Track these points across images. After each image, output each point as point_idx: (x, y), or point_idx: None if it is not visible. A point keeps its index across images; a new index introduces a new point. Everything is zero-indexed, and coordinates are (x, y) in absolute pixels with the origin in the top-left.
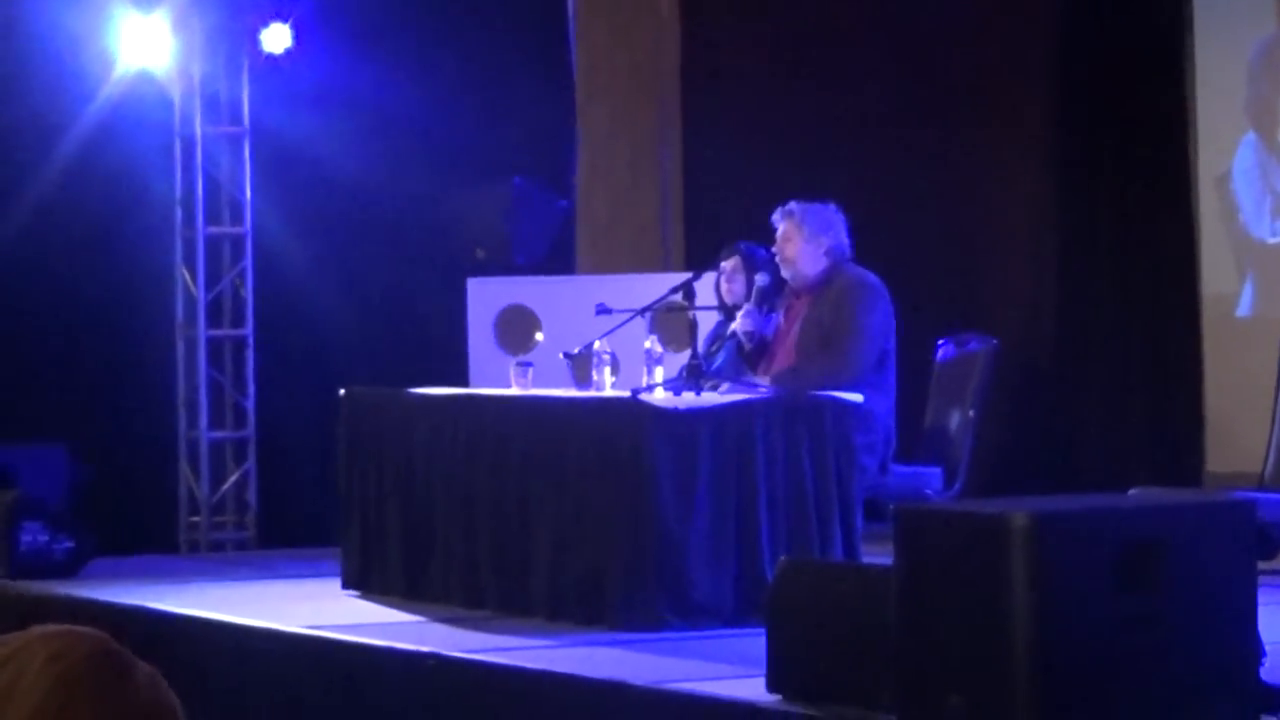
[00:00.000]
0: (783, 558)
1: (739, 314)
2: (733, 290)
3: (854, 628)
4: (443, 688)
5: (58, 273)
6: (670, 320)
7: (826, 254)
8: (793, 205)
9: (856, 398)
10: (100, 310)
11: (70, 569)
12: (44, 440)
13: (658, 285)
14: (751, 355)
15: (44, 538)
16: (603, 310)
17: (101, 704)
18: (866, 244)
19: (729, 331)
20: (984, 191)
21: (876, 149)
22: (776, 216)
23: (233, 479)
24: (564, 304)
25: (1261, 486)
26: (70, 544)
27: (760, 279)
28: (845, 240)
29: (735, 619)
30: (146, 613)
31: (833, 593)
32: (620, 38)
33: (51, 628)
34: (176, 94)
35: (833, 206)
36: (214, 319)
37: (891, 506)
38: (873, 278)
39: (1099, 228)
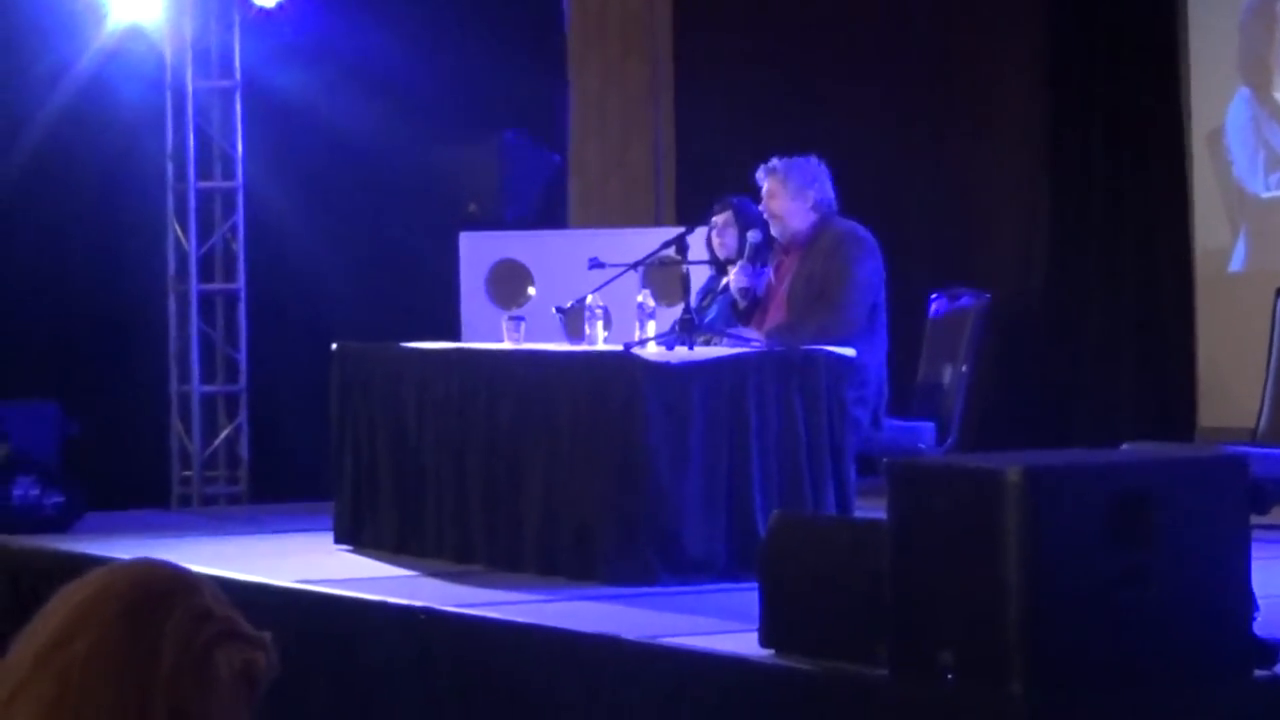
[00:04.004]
0: (775, 511)
1: (732, 270)
2: (725, 244)
3: (847, 582)
4: (434, 642)
5: (49, 228)
6: (663, 274)
7: (814, 208)
8: (775, 162)
9: (849, 351)
10: (92, 265)
11: (61, 523)
12: (36, 395)
13: (650, 239)
14: (745, 312)
15: (35, 492)
16: (595, 264)
17: (122, 618)
18: (859, 198)
19: (721, 286)
20: (976, 146)
21: (868, 102)
22: (760, 174)
23: (224, 434)
24: (556, 258)
25: (1254, 441)
26: (61, 498)
27: (753, 235)
28: (830, 192)
29: (728, 573)
30: None
31: (825, 547)
32: None
33: (142, 559)
34: (168, 48)
35: (815, 159)
36: (205, 274)
37: (884, 460)
38: (862, 230)
39: (1092, 183)
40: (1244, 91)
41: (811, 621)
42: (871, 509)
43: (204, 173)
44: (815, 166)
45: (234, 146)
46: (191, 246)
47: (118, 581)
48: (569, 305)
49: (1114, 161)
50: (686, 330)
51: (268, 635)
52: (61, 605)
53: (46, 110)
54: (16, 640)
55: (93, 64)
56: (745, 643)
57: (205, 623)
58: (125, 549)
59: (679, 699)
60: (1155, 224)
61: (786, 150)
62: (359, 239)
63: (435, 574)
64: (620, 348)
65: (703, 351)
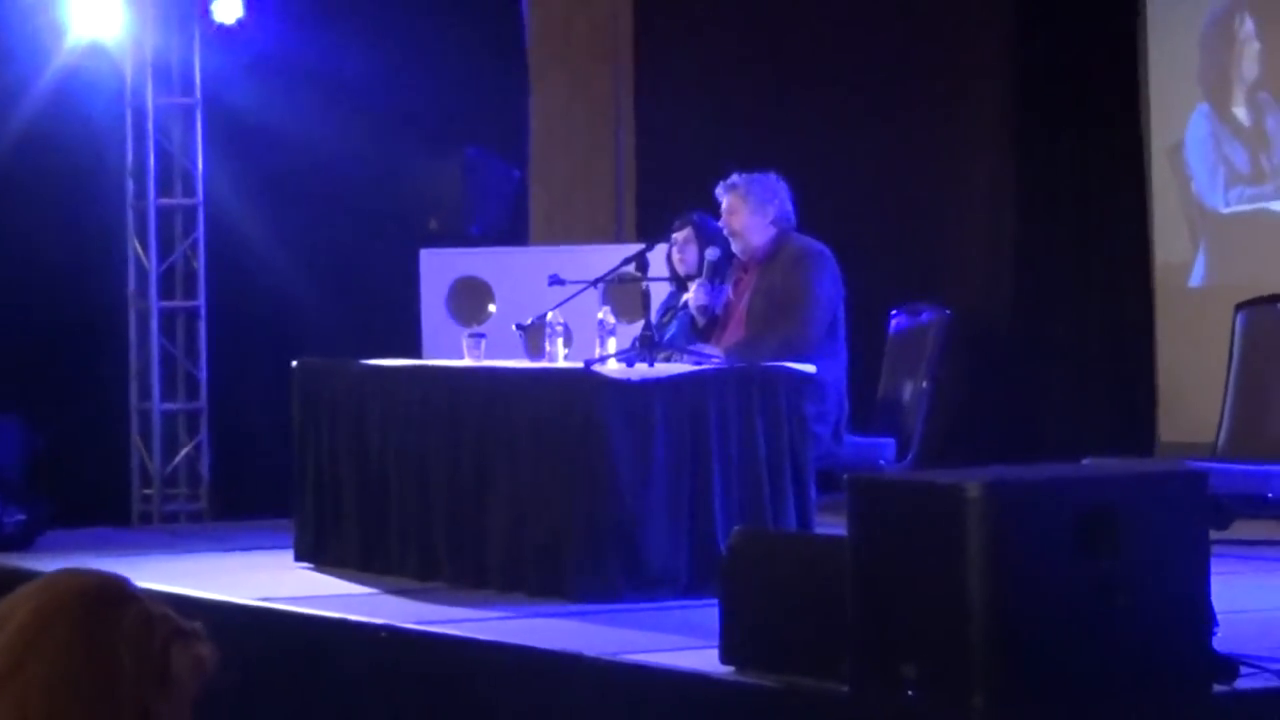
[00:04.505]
0: (736, 527)
1: (691, 287)
2: (685, 261)
3: (808, 597)
4: (397, 660)
5: (10, 245)
6: (623, 291)
7: (773, 223)
8: (735, 178)
9: (809, 368)
10: (52, 282)
11: (22, 541)
12: None
13: (611, 256)
14: (704, 329)
15: None
16: (555, 281)
17: (76, 635)
18: (820, 214)
19: (681, 302)
20: (937, 161)
21: (830, 118)
22: (720, 190)
23: (185, 451)
24: (516, 275)
25: (1214, 456)
26: (22, 516)
27: (711, 252)
28: (790, 208)
29: (690, 589)
30: None
31: (786, 562)
32: (574, 6)
33: (67, 568)
34: (128, 65)
35: (774, 175)
36: (166, 290)
37: (845, 476)
38: (820, 246)
39: (1053, 198)
40: (1204, 107)
41: (772, 637)
42: (832, 525)
43: (164, 189)
44: (775, 183)
45: (195, 163)
46: (152, 263)
47: (56, 598)
48: (529, 322)
49: (1075, 176)
50: (647, 347)
51: (200, 625)
52: (9, 619)
53: (7, 127)
54: None
55: (53, 81)
56: (706, 659)
57: (154, 624)
58: (85, 566)
59: (640, 715)
60: (1116, 239)
61: (747, 166)
62: (320, 255)
63: (397, 591)
64: (581, 365)
65: (663, 368)
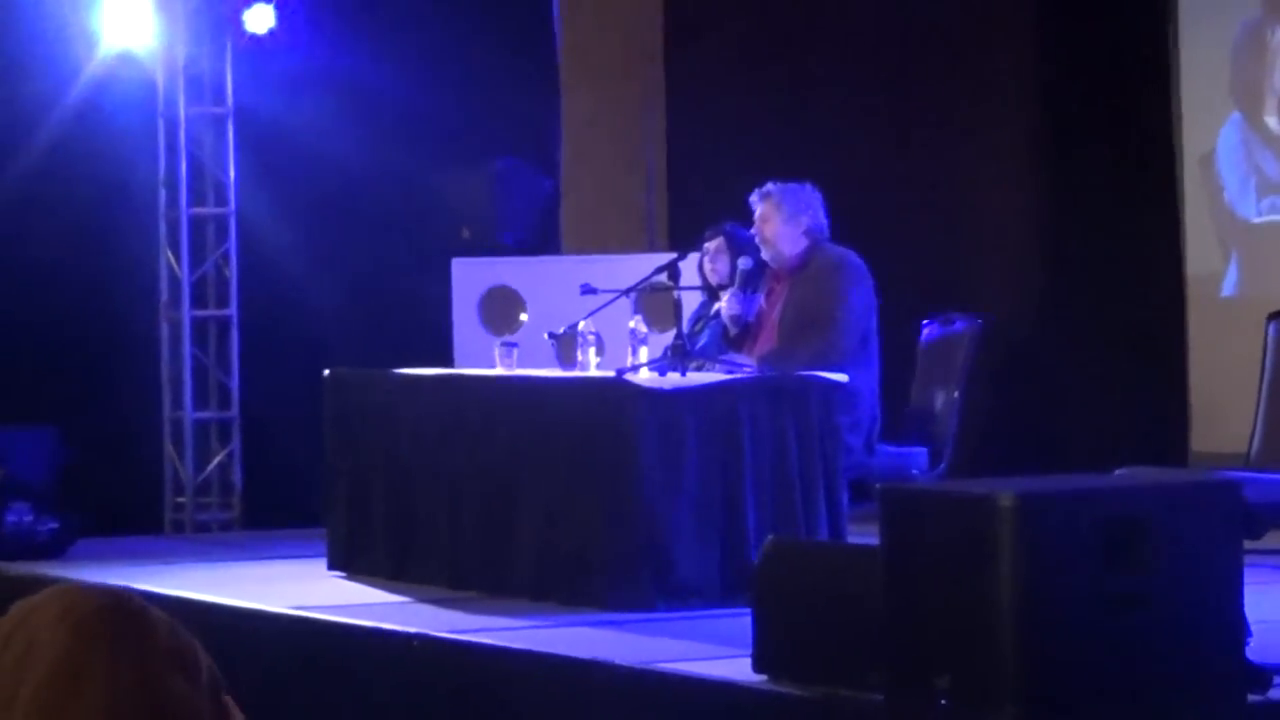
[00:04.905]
0: (769, 537)
1: (723, 296)
2: (717, 271)
3: (840, 607)
4: (428, 669)
5: (42, 255)
6: (655, 300)
7: (805, 234)
8: (770, 186)
9: (841, 378)
10: (85, 292)
11: (55, 549)
12: (29, 421)
13: (642, 265)
14: (737, 337)
15: (29, 518)
16: (587, 290)
17: (120, 652)
18: (851, 223)
19: (713, 312)
20: (968, 171)
21: (860, 128)
22: (754, 198)
23: (217, 460)
24: (548, 284)
25: (1247, 466)
26: (55, 524)
27: (744, 261)
28: (823, 219)
29: (721, 599)
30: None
31: (819, 572)
32: (605, 17)
33: (59, 586)
34: (160, 75)
35: (809, 186)
36: (198, 300)
37: (877, 486)
38: (853, 256)
39: (1084, 207)
40: (1235, 116)
41: (805, 647)
42: (864, 535)
43: (196, 199)
44: (809, 193)
45: (226, 173)
46: (184, 273)
47: (91, 621)
48: (561, 331)
49: (1106, 185)
50: (679, 356)
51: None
52: (35, 647)
53: (39, 136)
54: None
55: (85, 90)
56: (739, 668)
57: (180, 635)
58: (119, 575)
59: None
60: (1147, 249)
61: (779, 175)
62: (352, 265)
63: (429, 600)
64: (613, 374)
65: (695, 378)
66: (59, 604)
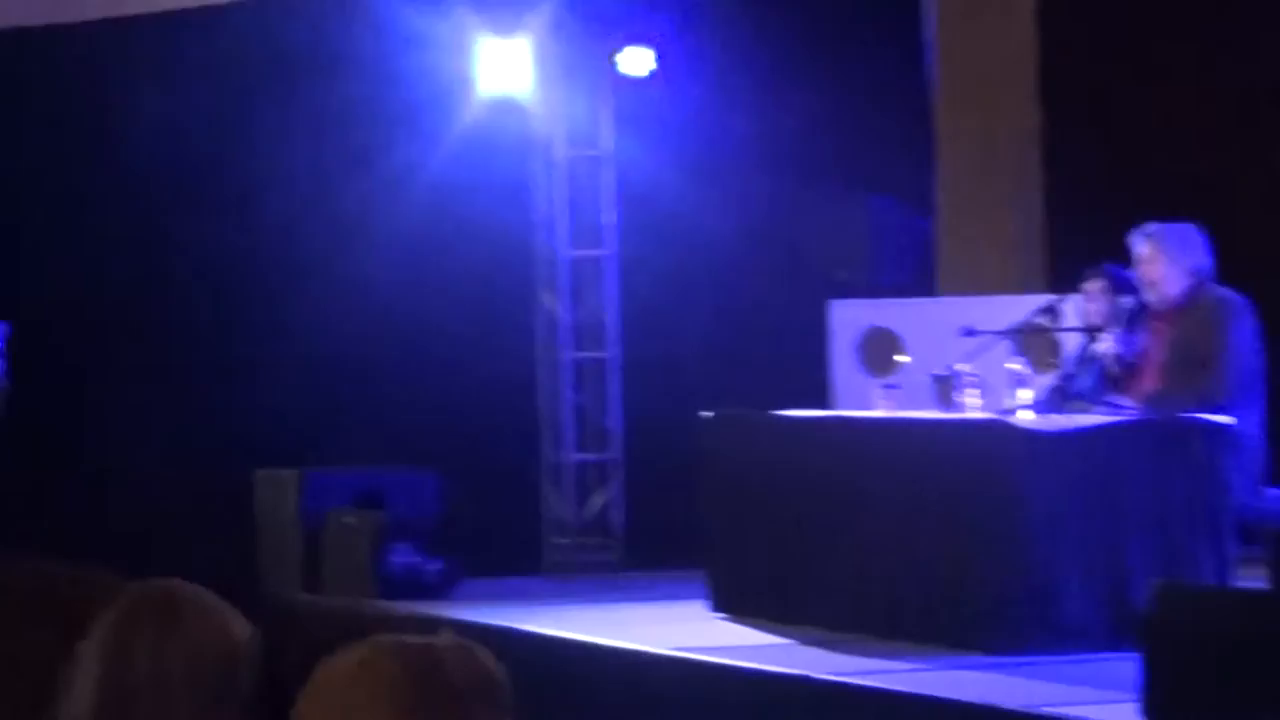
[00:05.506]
0: (1158, 581)
1: (1104, 336)
2: (1097, 312)
3: (1236, 653)
4: (810, 711)
5: (424, 299)
6: (1035, 342)
7: (1189, 274)
8: (1152, 227)
9: (1227, 419)
10: (464, 335)
11: (440, 590)
12: (412, 464)
13: (1021, 307)
14: (1119, 378)
15: (415, 559)
16: (968, 332)
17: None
18: (1236, 265)
19: (1094, 353)
20: None
21: (1251, 166)
22: (1136, 240)
23: (597, 501)
24: (927, 326)
25: None
26: (440, 565)
27: (1126, 301)
28: (1207, 260)
29: (1105, 642)
30: (517, 634)
31: (1213, 617)
32: (981, 57)
33: (374, 647)
34: (537, 118)
35: (1192, 227)
36: (577, 341)
37: (1265, 530)
38: (1237, 296)
39: None
40: None
41: (1197, 693)
42: (1251, 579)
43: (575, 241)
44: (1193, 234)
45: (605, 215)
46: (563, 314)
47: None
48: (943, 372)
49: None
50: (1060, 398)
51: None
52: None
53: (418, 180)
54: None
55: (463, 134)
56: (1124, 714)
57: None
58: (500, 615)
59: None
60: None
61: (1160, 215)
62: (729, 306)
63: (810, 642)
64: (993, 416)
65: (1077, 419)
66: (370, 673)
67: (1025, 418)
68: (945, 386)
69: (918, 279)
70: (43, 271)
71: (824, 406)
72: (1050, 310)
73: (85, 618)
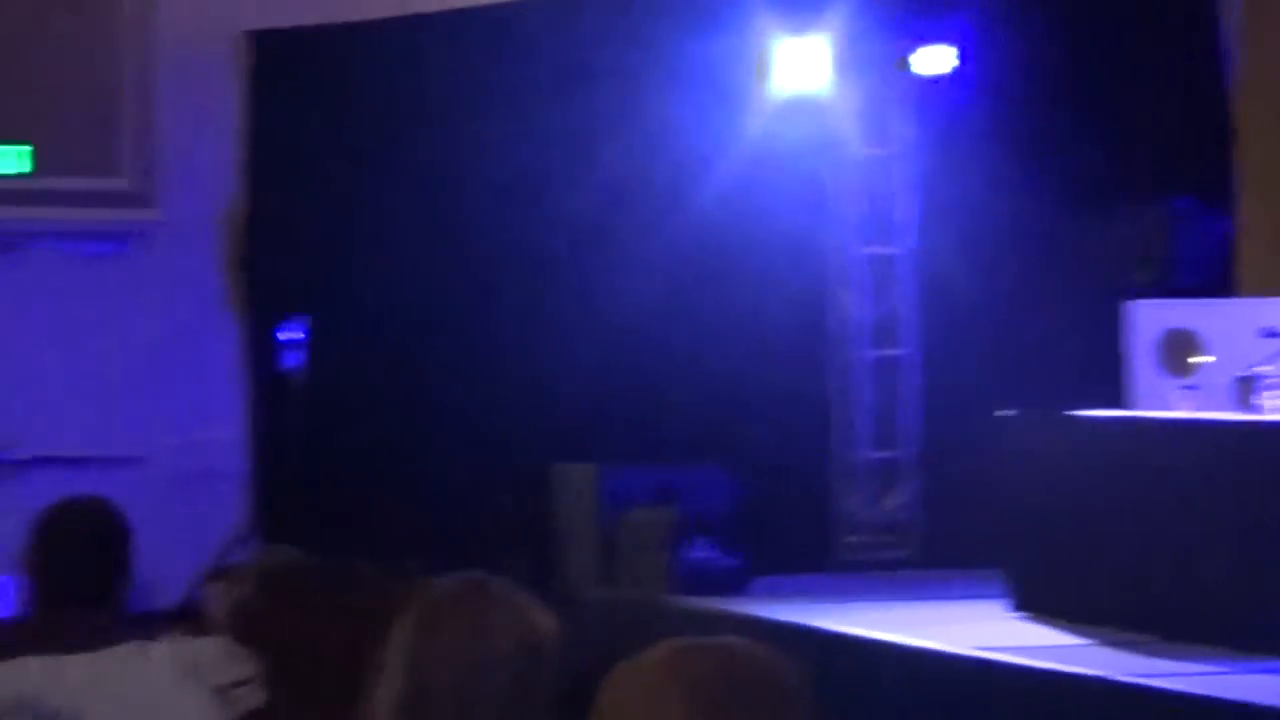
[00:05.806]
0: None
1: None
2: None
3: None
4: (1113, 713)
5: (717, 299)
6: None
7: None
8: None
9: None
10: (757, 332)
11: (734, 585)
12: (704, 460)
13: None
14: None
15: (711, 554)
16: (1269, 334)
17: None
18: None
19: None
20: None
21: None
22: None
23: (891, 499)
24: (1228, 327)
25: None
26: (735, 561)
27: None
28: None
29: None
30: (812, 632)
31: None
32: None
33: (674, 650)
34: (834, 116)
35: None
36: (874, 339)
37: None
38: None
39: None
40: None
41: None
42: None
43: (871, 238)
44: None
45: (901, 212)
46: (860, 311)
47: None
48: (1243, 374)
49: None
50: None
51: None
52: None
53: (712, 178)
54: None
55: (757, 132)
56: None
57: None
58: (794, 612)
59: None
60: None
61: None
62: (1026, 305)
63: (1112, 643)
64: None
65: None
66: (676, 675)
67: None
68: (1246, 388)
69: (1218, 280)
70: (344, 266)
71: (1119, 407)
72: None
73: (387, 613)
